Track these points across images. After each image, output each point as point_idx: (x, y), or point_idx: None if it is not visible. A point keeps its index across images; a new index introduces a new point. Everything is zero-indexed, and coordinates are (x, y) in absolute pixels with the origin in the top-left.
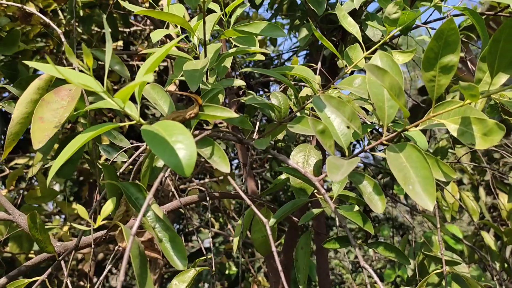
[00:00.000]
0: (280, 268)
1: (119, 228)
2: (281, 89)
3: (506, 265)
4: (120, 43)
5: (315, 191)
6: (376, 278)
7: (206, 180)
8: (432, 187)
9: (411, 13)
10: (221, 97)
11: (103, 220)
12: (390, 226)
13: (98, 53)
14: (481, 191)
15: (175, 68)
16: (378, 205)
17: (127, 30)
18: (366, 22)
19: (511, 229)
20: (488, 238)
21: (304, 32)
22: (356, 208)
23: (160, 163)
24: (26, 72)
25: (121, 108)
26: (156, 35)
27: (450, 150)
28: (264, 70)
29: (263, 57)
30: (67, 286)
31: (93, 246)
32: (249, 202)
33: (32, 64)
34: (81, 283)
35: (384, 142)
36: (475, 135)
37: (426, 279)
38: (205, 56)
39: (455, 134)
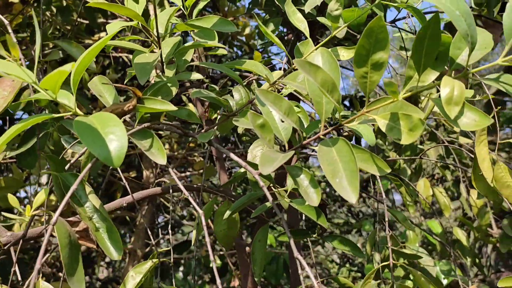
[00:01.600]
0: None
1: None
2: (246, 82)
3: (477, 260)
4: (103, 34)
5: (271, 184)
6: (308, 270)
7: (188, 173)
8: (356, 180)
9: (358, 10)
10: (174, 90)
11: (35, 210)
12: (373, 221)
13: (65, 44)
14: (462, 187)
15: (132, 60)
16: (313, 197)
17: (111, 21)
18: (317, 18)
19: (481, 225)
20: (460, 233)
21: (270, 27)
22: None
23: None
24: None
25: (53, 98)
26: (112, 28)
27: (419, 146)
28: (213, 65)
29: (225, 52)
30: (15, 274)
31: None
32: (186, 192)
33: None
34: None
35: (321, 136)
36: (402, 130)
37: (373, 272)
38: (159, 49)
39: (384, 130)
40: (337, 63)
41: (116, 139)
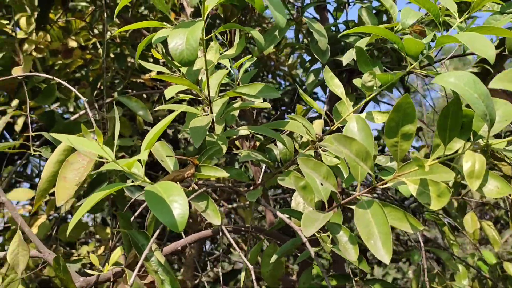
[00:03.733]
0: None
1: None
2: (287, 132)
3: None
4: (153, 73)
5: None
6: None
7: (235, 204)
8: (389, 242)
9: (390, 75)
10: (224, 148)
11: (112, 265)
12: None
13: (125, 99)
14: None
15: (187, 120)
16: (351, 253)
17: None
18: (353, 81)
19: None
20: (511, 268)
21: (311, 77)
22: None
23: None
24: (62, 121)
25: (128, 171)
26: (169, 92)
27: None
28: (256, 128)
29: (269, 106)
30: None
31: (111, 280)
32: (237, 248)
33: (54, 135)
34: None
35: (358, 197)
36: (431, 196)
37: None
38: (211, 112)
39: (414, 194)
40: (370, 130)
41: (179, 207)
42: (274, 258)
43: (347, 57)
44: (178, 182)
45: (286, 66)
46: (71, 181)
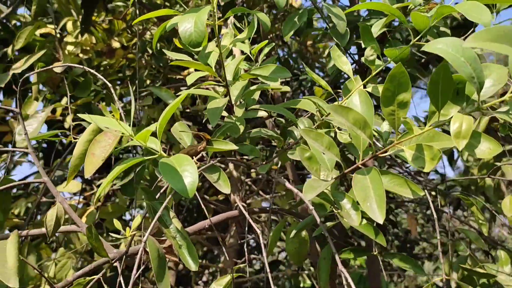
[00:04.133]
0: None
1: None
2: (310, 114)
3: None
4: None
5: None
6: (350, 282)
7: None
8: (384, 204)
9: (396, 50)
10: (241, 127)
11: (133, 231)
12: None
13: (156, 90)
14: None
15: (208, 103)
16: (354, 218)
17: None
18: (362, 59)
19: None
20: None
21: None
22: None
23: None
24: (99, 111)
25: (144, 146)
26: (191, 79)
27: (496, 163)
28: (270, 107)
29: (288, 89)
30: (120, 285)
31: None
32: (248, 217)
33: (82, 116)
34: None
35: (360, 166)
36: (425, 160)
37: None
38: (228, 95)
39: (410, 159)
40: (371, 103)
41: (190, 176)
42: (292, 233)
43: None
44: (194, 157)
45: (324, 58)
46: (98, 157)
